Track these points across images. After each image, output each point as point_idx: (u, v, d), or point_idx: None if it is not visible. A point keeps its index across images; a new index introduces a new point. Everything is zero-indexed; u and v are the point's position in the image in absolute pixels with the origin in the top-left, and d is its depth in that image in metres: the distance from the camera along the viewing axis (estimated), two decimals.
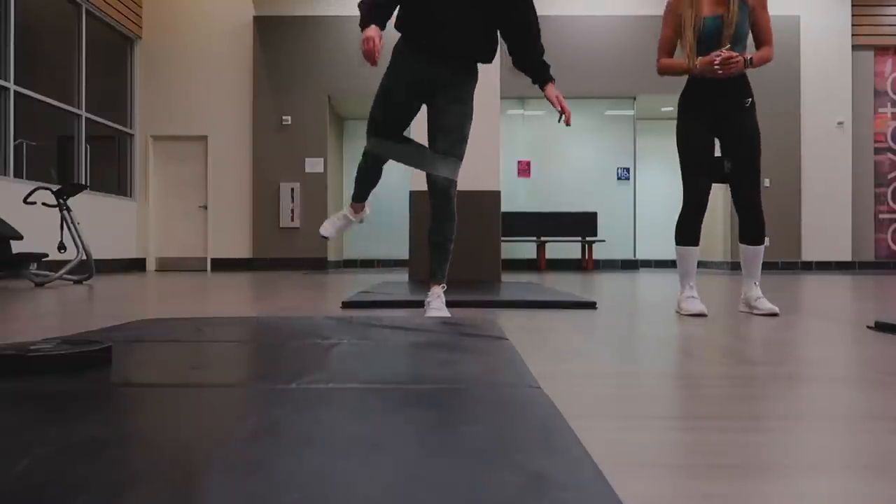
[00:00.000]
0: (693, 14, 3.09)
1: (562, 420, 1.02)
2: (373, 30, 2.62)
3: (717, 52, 3.02)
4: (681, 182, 3.30)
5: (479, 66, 2.91)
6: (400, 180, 12.70)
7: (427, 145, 2.88)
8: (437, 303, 2.92)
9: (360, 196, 3.15)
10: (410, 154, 2.84)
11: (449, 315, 2.81)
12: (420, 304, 3.50)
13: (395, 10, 2.80)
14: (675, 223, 3.31)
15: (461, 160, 2.84)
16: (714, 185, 3.28)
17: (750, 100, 3.17)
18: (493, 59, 2.88)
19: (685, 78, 3.25)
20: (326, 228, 3.14)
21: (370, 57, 2.58)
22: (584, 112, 11.34)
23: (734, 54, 3.02)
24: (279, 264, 10.75)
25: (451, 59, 2.78)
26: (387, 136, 2.82)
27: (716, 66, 3.02)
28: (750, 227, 3.25)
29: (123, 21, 10.37)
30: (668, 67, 3.25)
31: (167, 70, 10.89)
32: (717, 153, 3.28)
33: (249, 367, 1.57)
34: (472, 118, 2.85)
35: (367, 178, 3.05)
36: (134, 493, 0.70)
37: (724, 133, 3.20)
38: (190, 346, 1.80)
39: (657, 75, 3.40)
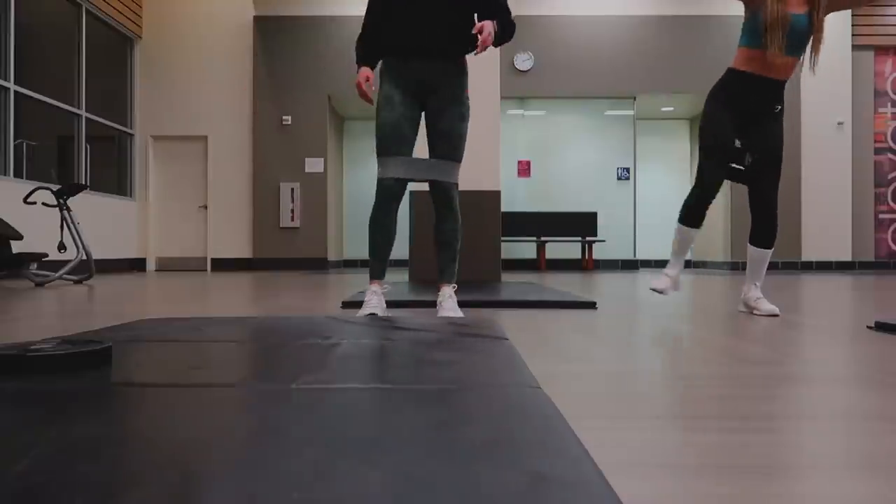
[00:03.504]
0: (779, 8, 2.97)
1: (562, 420, 1.02)
2: (365, 71, 2.85)
3: None
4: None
5: (478, 66, 2.92)
6: None
7: (429, 149, 2.92)
8: (449, 303, 2.90)
9: (379, 271, 2.94)
10: (417, 168, 2.85)
11: (462, 315, 2.80)
12: (421, 304, 3.50)
13: (380, 40, 2.91)
14: (683, 203, 3.34)
15: (460, 162, 2.90)
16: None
17: (780, 107, 3.17)
18: (469, 50, 2.89)
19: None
20: (375, 308, 2.86)
21: (364, 97, 2.82)
22: (584, 112, 11.35)
23: None
24: (279, 264, 10.75)
25: (432, 55, 2.81)
26: (397, 152, 2.81)
27: None
28: (763, 229, 3.24)
29: (123, 21, 10.37)
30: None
31: (167, 70, 10.89)
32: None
33: (249, 367, 1.56)
34: (468, 117, 2.90)
35: (383, 231, 2.85)
36: (134, 493, 0.70)
37: (750, 133, 3.19)
38: (190, 346, 1.80)
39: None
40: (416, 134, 2.91)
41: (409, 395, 1.21)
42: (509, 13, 2.87)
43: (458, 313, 2.84)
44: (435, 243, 2.98)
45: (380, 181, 2.83)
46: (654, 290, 3.36)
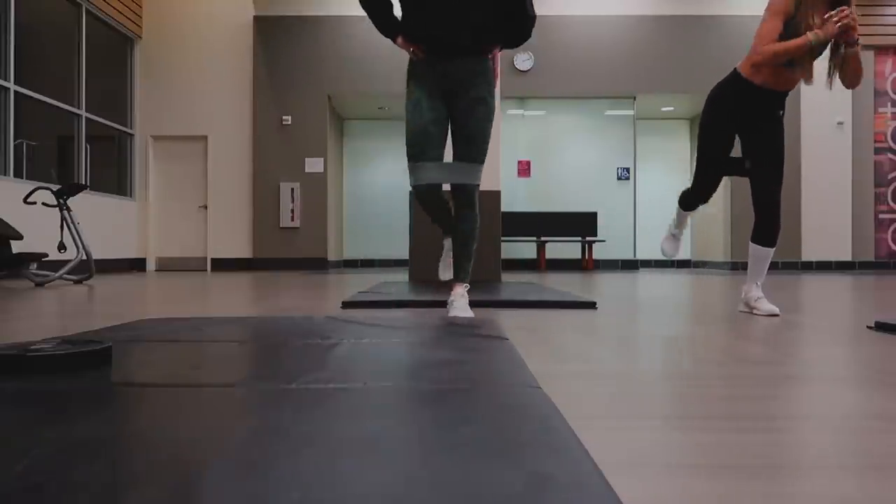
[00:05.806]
0: (812, 22, 2.93)
1: (562, 420, 1.02)
2: (399, 39, 2.86)
3: (838, 10, 2.85)
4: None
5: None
6: (399, 180, 12.70)
7: (453, 150, 2.89)
8: (460, 302, 2.91)
9: (447, 231, 3.22)
10: (448, 171, 2.84)
11: (472, 315, 2.81)
12: (421, 305, 3.50)
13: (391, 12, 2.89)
14: (680, 193, 3.60)
15: (483, 164, 2.88)
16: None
17: (781, 112, 3.17)
18: (497, 44, 2.84)
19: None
20: (444, 273, 3.29)
21: (409, 48, 2.85)
22: (584, 112, 11.35)
23: (852, 14, 2.85)
24: (279, 264, 10.75)
25: (459, 53, 2.78)
26: (427, 157, 2.78)
27: (836, 24, 2.85)
28: (765, 227, 3.24)
29: (123, 21, 10.37)
30: (784, 49, 2.95)
31: (167, 70, 10.89)
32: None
33: (249, 367, 1.56)
34: (493, 116, 2.87)
35: (439, 219, 3.05)
36: (134, 493, 0.70)
37: (750, 137, 3.20)
38: (190, 346, 1.80)
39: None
40: (446, 135, 2.87)
41: (409, 395, 1.21)
42: (528, 13, 2.77)
43: (468, 313, 2.84)
44: (453, 241, 2.98)
45: (414, 188, 2.85)
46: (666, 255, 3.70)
